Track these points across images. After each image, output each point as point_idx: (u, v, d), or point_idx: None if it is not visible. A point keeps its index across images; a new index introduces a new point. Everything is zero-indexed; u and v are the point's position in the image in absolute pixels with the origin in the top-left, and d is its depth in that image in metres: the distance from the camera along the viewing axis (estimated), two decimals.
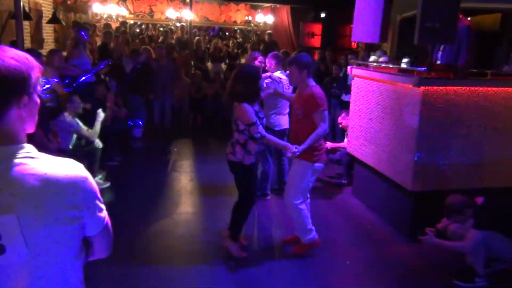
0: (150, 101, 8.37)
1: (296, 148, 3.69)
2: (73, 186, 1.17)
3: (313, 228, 3.98)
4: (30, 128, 1.22)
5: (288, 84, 5.24)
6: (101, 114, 5.55)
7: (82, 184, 1.19)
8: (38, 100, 1.22)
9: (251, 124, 3.59)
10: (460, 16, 4.42)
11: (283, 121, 5.23)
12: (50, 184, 1.13)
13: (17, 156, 1.14)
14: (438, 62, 4.83)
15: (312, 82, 3.83)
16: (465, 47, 4.44)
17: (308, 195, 4.09)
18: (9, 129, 1.15)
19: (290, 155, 3.79)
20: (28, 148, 1.17)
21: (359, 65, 5.69)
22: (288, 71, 4.04)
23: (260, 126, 3.67)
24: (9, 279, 1.12)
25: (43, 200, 1.12)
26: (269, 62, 5.30)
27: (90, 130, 5.43)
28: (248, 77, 3.64)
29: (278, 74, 5.23)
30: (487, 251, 3.60)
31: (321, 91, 3.81)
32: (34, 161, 1.15)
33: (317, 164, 3.83)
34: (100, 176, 5.62)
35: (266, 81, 4.85)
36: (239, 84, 3.64)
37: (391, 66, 5.28)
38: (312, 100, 3.71)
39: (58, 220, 1.13)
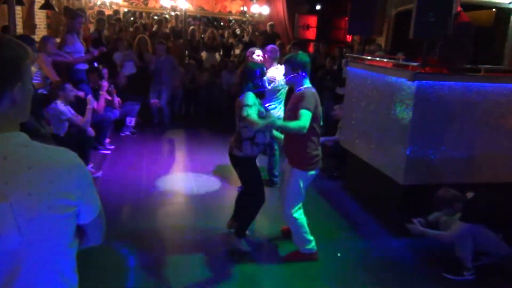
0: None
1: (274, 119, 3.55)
2: (67, 174, 1.17)
3: (312, 238, 3.82)
4: (23, 116, 1.21)
5: (283, 82, 5.23)
6: (91, 101, 5.52)
7: (76, 172, 1.19)
8: (32, 88, 1.21)
9: (243, 105, 3.55)
10: (461, 12, 4.40)
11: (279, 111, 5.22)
12: (44, 172, 1.13)
13: (11, 144, 1.13)
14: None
15: (306, 83, 3.65)
16: (465, 46, 4.40)
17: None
18: (3, 116, 1.14)
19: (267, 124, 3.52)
20: (22, 136, 1.16)
21: (354, 58, 5.69)
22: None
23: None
24: (3, 266, 1.12)
25: (36, 188, 1.11)
26: (264, 56, 5.22)
27: (82, 118, 5.40)
28: (246, 72, 3.73)
29: (272, 71, 5.17)
30: (474, 244, 3.65)
31: (313, 93, 3.59)
32: (28, 149, 1.14)
33: (310, 173, 3.67)
34: (92, 165, 5.59)
35: None
36: (239, 80, 3.75)
37: (385, 60, 5.30)
38: (301, 98, 3.53)
39: (51, 207, 1.13)
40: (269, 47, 5.42)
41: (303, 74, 3.62)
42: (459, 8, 4.37)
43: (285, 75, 3.74)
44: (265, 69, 3.99)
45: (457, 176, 4.40)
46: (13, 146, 1.13)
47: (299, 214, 3.74)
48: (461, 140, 4.35)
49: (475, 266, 3.71)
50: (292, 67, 3.62)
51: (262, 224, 4.49)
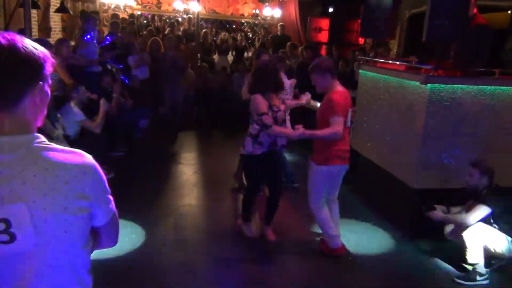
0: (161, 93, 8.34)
1: (300, 130, 3.69)
2: (83, 176, 1.19)
3: (336, 234, 3.95)
4: (40, 120, 1.24)
5: (288, 90, 5.22)
6: (104, 103, 5.57)
7: (92, 174, 1.21)
8: (50, 92, 1.24)
9: (262, 113, 3.72)
10: (477, 14, 4.35)
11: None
12: (60, 174, 1.15)
13: (29, 146, 1.15)
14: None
15: (337, 87, 3.75)
16: (482, 48, 4.33)
17: (336, 201, 4.09)
18: (23, 117, 1.17)
19: (297, 134, 3.71)
20: (40, 138, 1.19)
21: (366, 61, 5.67)
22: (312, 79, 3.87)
23: (269, 117, 3.74)
24: (18, 267, 1.14)
25: (53, 189, 1.13)
26: None
27: (94, 120, 5.45)
28: (259, 70, 3.94)
29: None
30: (485, 249, 3.60)
31: (341, 97, 3.68)
32: (46, 151, 1.16)
33: (331, 167, 3.77)
34: (104, 167, 5.63)
35: None
36: (253, 78, 3.95)
37: (398, 62, 5.26)
38: (329, 105, 3.67)
39: (67, 209, 1.15)
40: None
41: (332, 76, 3.74)
42: (475, 10, 4.32)
43: (315, 83, 3.80)
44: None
45: None
46: (32, 148, 1.15)
47: (320, 208, 3.90)
48: (474, 143, 4.30)
49: (488, 271, 3.66)
50: (319, 72, 3.73)
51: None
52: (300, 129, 3.68)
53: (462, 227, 3.71)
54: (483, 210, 3.59)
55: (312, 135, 3.76)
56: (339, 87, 3.76)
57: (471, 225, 3.62)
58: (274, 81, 3.84)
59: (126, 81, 7.36)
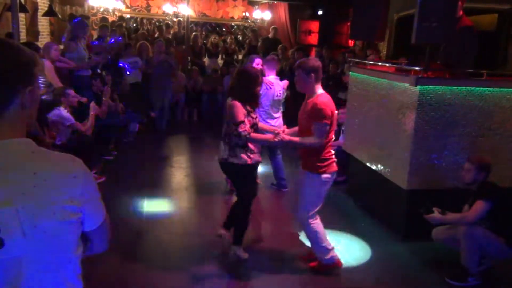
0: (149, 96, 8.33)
1: (280, 136, 3.45)
2: (72, 180, 1.17)
3: (331, 247, 3.70)
4: (30, 123, 1.22)
5: (280, 90, 5.24)
6: (94, 107, 5.53)
7: (81, 179, 1.20)
8: (39, 95, 1.23)
9: (239, 122, 3.51)
10: (463, 16, 4.40)
11: (276, 124, 5.21)
12: (49, 178, 1.14)
13: (18, 150, 1.14)
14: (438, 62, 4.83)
15: (320, 90, 3.53)
16: (469, 50, 4.38)
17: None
18: (12, 121, 1.16)
19: (277, 140, 3.46)
20: (29, 142, 1.17)
21: (356, 63, 5.70)
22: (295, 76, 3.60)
23: (245, 126, 3.53)
24: (7, 272, 1.12)
25: (42, 194, 1.12)
26: (263, 66, 5.19)
27: (84, 124, 5.41)
28: (244, 77, 3.70)
29: (271, 78, 5.20)
30: (480, 249, 3.61)
31: (327, 101, 3.44)
32: (34, 155, 1.15)
33: (324, 176, 3.52)
34: (95, 171, 5.60)
35: None
36: (236, 82, 3.71)
37: (388, 64, 5.30)
38: (315, 109, 3.40)
39: (56, 214, 1.14)
40: (267, 58, 5.45)
41: (316, 77, 3.52)
42: (461, 12, 4.38)
43: (297, 80, 3.56)
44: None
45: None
46: (19, 152, 1.14)
47: (314, 219, 3.62)
48: (464, 144, 4.34)
49: (479, 271, 3.69)
50: (304, 71, 3.48)
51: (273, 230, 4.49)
52: (281, 135, 3.45)
53: (461, 228, 3.68)
54: (483, 205, 3.57)
55: (293, 142, 3.52)
56: (322, 91, 3.56)
57: (473, 222, 3.60)
58: (253, 94, 3.67)
59: (127, 73, 7.46)
